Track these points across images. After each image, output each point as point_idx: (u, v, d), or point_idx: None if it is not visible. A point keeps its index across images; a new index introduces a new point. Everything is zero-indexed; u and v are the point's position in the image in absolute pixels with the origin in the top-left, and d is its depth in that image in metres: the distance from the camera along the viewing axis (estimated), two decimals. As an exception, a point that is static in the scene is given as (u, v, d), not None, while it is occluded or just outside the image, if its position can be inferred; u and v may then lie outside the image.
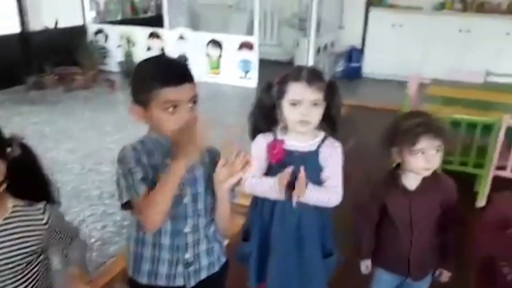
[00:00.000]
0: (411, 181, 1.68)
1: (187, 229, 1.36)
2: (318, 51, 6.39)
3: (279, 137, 1.65)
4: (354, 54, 7.06)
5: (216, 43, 6.49)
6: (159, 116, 1.24)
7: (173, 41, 6.71)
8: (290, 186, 1.55)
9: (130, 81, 1.30)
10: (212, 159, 1.37)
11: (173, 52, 6.53)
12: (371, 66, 7.04)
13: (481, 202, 3.17)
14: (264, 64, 6.39)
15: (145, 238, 1.35)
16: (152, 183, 1.23)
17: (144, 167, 1.25)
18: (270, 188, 1.58)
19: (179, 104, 1.23)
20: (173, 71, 1.26)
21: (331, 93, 1.59)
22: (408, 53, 6.63)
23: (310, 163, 1.60)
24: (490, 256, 1.54)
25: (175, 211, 1.30)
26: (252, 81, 6.32)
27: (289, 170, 1.53)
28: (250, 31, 6.61)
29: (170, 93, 1.21)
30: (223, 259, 1.49)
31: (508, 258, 1.48)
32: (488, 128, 3.16)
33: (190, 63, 6.12)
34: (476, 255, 1.59)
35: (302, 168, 1.53)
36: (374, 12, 6.97)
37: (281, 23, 7.87)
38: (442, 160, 1.65)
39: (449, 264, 1.77)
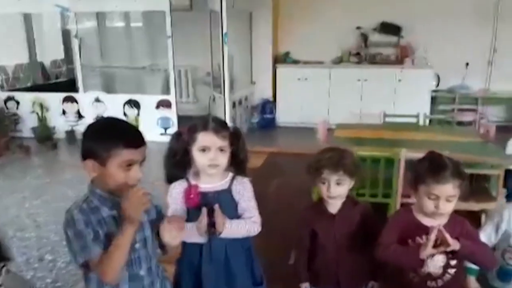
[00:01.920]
0: (332, 206, 1.93)
1: (142, 272, 1.47)
2: (234, 105, 6.74)
3: (192, 181, 1.81)
4: (267, 106, 7.52)
5: (133, 103, 6.62)
6: (115, 172, 1.38)
7: (89, 104, 6.72)
8: (211, 224, 1.70)
9: (83, 139, 1.43)
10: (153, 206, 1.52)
11: (89, 114, 6.55)
12: (283, 116, 7.52)
13: (392, 227, 3.52)
14: (183, 120, 6.59)
15: None
16: (104, 238, 1.35)
17: (93, 226, 1.36)
18: (192, 233, 1.71)
19: (134, 163, 1.39)
20: (134, 134, 1.43)
21: (236, 139, 1.81)
22: (315, 102, 7.19)
23: (225, 200, 1.78)
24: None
25: (129, 257, 1.40)
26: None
27: (204, 212, 1.69)
28: (166, 90, 6.84)
29: (130, 154, 1.38)
30: None
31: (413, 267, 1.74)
32: (390, 162, 3.59)
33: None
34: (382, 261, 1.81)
35: (216, 206, 1.70)
36: (281, 68, 7.53)
37: (195, 82, 8.20)
38: (356, 193, 1.93)
39: (379, 277, 1.96)
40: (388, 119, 4.96)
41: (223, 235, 1.72)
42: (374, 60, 7.35)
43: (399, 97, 6.86)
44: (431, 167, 1.69)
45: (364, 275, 1.97)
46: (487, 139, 4.27)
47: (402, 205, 3.52)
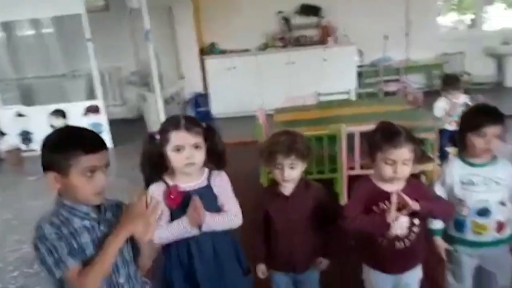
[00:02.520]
0: (286, 189, 1.96)
1: (121, 279, 1.42)
2: (166, 102, 6.59)
3: (170, 182, 1.77)
4: (200, 100, 7.43)
5: (59, 113, 6.26)
6: (78, 181, 1.32)
7: (9, 119, 6.28)
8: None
9: (42, 152, 1.35)
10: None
11: (13, 131, 6.14)
12: (218, 107, 7.46)
13: (343, 200, 3.63)
14: (114, 124, 6.36)
15: None
16: (78, 250, 1.31)
17: (66, 239, 1.30)
18: (183, 229, 1.70)
19: (97, 169, 1.33)
20: (91, 139, 1.36)
21: (210, 134, 1.79)
22: (248, 90, 7.21)
23: (207, 197, 1.76)
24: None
25: None
26: (106, 142, 6.19)
27: (197, 201, 1.67)
28: (91, 95, 6.54)
29: (90, 159, 1.32)
30: None
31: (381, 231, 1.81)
32: (332, 138, 3.69)
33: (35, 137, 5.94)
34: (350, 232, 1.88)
35: (195, 197, 1.69)
36: (209, 60, 7.46)
37: (121, 83, 7.92)
38: (305, 172, 1.98)
39: (329, 254, 2.02)
40: (321, 98, 5.10)
41: (204, 228, 1.71)
42: (298, 43, 7.49)
43: (327, 76, 7.03)
44: (386, 135, 1.77)
45: (316, 253, 2.02)
46: (416, 105, 4.52)
47: (349, 177, 3.65)
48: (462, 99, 3.86)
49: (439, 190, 1.98)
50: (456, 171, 1.95)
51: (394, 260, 1.86)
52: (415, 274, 1.96)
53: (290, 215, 1.95)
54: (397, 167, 1.74)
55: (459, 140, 1.97)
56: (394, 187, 1.77)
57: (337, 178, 3.74)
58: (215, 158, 1.82)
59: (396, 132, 1.75)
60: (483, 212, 1.90)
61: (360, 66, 7.47)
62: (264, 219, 2.00)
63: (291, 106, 4.96)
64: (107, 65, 7.43)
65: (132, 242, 1.45)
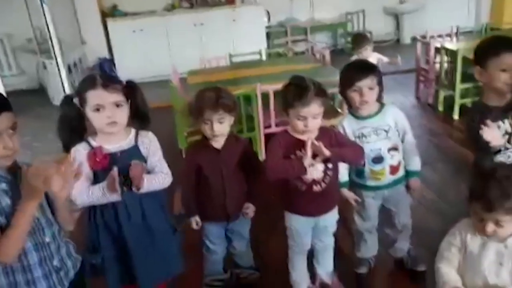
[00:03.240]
0: (217, 143, 2.04)
1: (47, 239, 1.38)
2: (69, 70, 6.17)
3: (94, 143, 1.70)
4: (106, 65, 7.04)
5: None
6: None
7: None
8: (125, 182, 1.65)
9: None
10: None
11: None
12: (126, 73, 6.98)
13: (261, 156, 3.72)
14: (12, 95, 5.79)
15: (13, 267, 1.32)
16: None
17: None
18: (102, 194, 1.64)
19: (2, 132, 1.25)
20: None
21: (131, 91, 1.72)
22: (157, 54, 6.98)
23: (135, 157, 1.71)
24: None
25: (32, 226, 1.31)
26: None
27: (114, 172, 1.60)
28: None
29: None
30: (79, 257, 1.56)
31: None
32: (247, 98, 3.73)
33: None
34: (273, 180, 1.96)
35: (135, 161, 1.66)
36: (112, 23, 7.06)
37: (15, 51, 7.27)
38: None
39: (254, 201, 2.16)
40: (234, 59, 5.09)
41: (143, 190, 1.68)
42: (206, 3, 7.34)
43: (238, 37, 7.01)
44: (296, 93, 1.85)
45: (244, 200, 2.15)
46: (324, 63, 4.69)
47: (266, 136, 3.74)
48: (374, 57, 4.08)
49: None
50: (348, 126, 2.10)
51: (313, 202, 2.00)
52: (332, 217, 2.12)
53: (222, 167, 2.04)
54: (307, 122, 1.84)
55: (343, 98, 2.14)
56: (308, 136, 1.87)
57: (255, 137, 3.81)
58: (139, 117, 1.76)
59: (305, 88, 1.82)
60: (378, 159, 2.09)
61: (268, 27, 7.52)
62: (196, 172, 2.06)
63: (204, 68, 4.90)
64: (-2, 31, 6.78)
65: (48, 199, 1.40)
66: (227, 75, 4.42)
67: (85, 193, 1.64)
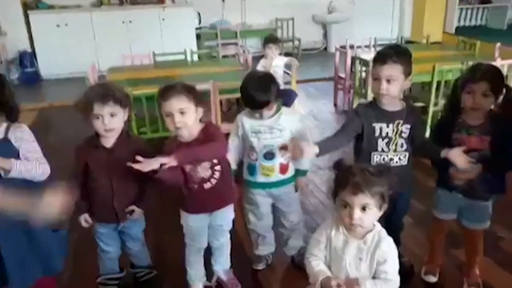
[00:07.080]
0: (107, 140, 1.98)
1: None
2: (-17, 61, 5.86)
3: None
4: (26, 59, 6.74)
5: None
6: None
7: None
8: None
9: None
10: None
11: None
12: (47, 68, 6.85)
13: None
14: None
15: None
16: None
17: None
18: None
19: None
20: None
21: None
22: (81, 50, 6.75)
23: (5, 150, 1.70)
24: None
25: None
26: None
27: None
28: None
29: None
30: None
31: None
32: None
33: None
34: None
35: None
36: (34, 15, 6.78)
37: None
38: (138, 132, 2.01)
39: (142, 203, 2.08)
40: (158, 58, 5.05)
41: (14, 175, 1.66)
42: (136, 1, 7.22)
43: (166, 36, 6.98)
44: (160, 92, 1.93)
45: (132, 202, 2.06)
46: (247, 67, 4.78)
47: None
48: (280, 59, 4.22)
49: (234, 141, 2.23)
50: (246, 123, 2.19)
51: (205, 199, 2.03)
52: (227, 215, 2.16)
53: (111, 167, 1.95)
54: (174, 118, 1.86)
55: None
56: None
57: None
58: (7, 111, 1.75)
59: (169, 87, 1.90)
60: (269, 155, 2.18)
61: (198, 28, 7.53)
62: (83, 171, 2.00)
63: (127, 65, 4.83)
64: None
65: None
66: (150, 74, 4.38)
67: None
